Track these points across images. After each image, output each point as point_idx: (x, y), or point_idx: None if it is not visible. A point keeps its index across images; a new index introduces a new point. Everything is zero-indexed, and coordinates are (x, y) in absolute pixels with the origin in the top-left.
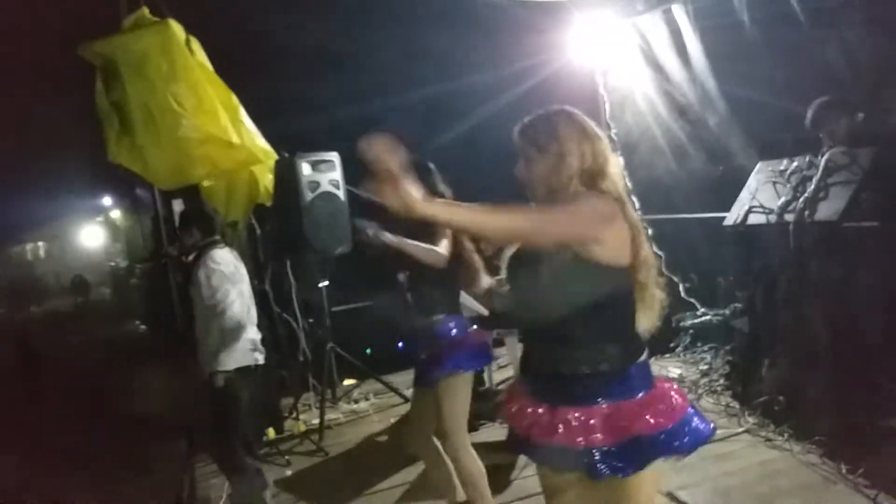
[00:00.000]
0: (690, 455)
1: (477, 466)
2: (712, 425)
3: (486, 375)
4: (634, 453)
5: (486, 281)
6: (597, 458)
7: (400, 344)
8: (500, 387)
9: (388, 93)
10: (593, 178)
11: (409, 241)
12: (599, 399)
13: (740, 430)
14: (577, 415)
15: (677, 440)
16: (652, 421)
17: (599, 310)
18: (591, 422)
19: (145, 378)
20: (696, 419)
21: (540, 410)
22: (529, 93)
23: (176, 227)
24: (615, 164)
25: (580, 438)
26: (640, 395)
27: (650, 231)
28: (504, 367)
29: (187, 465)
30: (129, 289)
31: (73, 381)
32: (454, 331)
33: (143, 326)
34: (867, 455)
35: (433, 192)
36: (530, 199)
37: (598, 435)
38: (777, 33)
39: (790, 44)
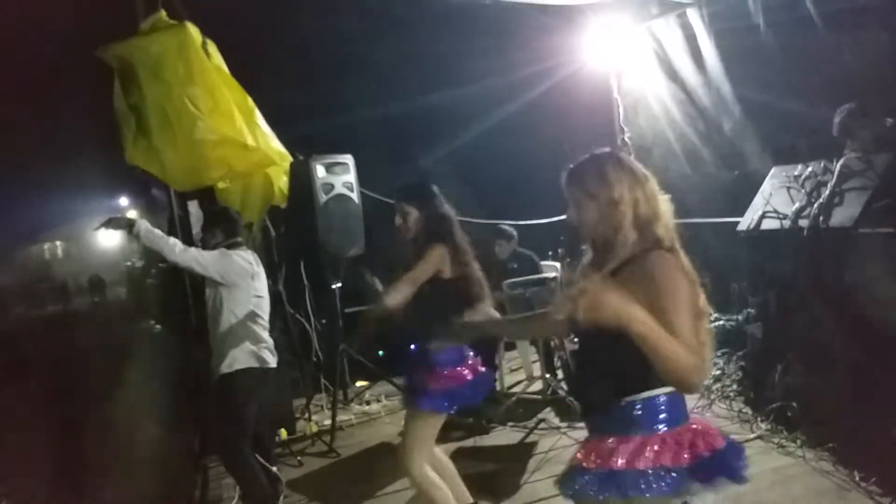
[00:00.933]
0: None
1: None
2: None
3: (497, 379)
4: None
5: (488, 305)
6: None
7: (412, 346)
8: (511, 390)
9: (403, 97)
10: (648, 222)
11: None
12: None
13: (752, 436)
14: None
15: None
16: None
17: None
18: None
19: (158, 378)
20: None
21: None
22: (545, 96)
23: (200, 228)
24: (665, 203)
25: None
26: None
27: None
28: (516, 371)
29: (199, 466)
30: (144, 289)
31: (83, 380)
32: (450, 361)
33: (157, 326)
34: (881, 462)
35: (435, 214)
36: (583, 241)
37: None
38: (793, 37)
39: (806, 48)
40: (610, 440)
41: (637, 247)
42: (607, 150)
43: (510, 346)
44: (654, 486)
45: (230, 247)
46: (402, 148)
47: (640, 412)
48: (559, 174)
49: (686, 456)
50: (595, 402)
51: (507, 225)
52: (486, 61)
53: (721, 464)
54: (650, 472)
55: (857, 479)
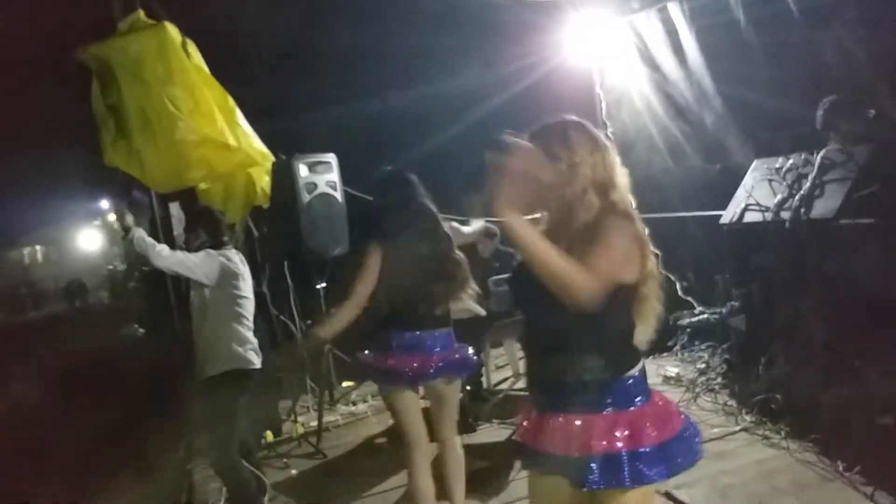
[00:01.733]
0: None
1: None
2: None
3: (483, 376)
4: (633, 466)
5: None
6: (593, 468)
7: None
8: (498, 387)
9: (385, 94)
10: (604, 189)
11: None
12: (600, 407)
13: (737, 428)
14: (577, 423)
15: (679, 455)
16: (654, 433)
17: (604, 319)
18: (592, 430)
19: (143, 382)
20: (693, 434)
21: (542, 417)
22: (527, 91)
23: (183, 228)
24: (623, 175)
25: (578, 445)
26: (640, 404)
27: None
28: (502, 368)
29: (186, 469)
30: (127, 292)
31: (67, 387)
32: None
33: (141, 330)
34: (864, 452)
35: (411, 203)
36: (541, 209)
37: (597, 442)
38: (773, 32)
39: (786, 43)
40: (604, 415)
41: (598, 211)
42: (570, 116)
43: (496, 344)
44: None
45: (215, 247)
46: (384, 145)
47: (631, 386)
48: None
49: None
50: (582, 377)
51: (488, 222)
52: (467, 58)
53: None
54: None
55: (841, 469)
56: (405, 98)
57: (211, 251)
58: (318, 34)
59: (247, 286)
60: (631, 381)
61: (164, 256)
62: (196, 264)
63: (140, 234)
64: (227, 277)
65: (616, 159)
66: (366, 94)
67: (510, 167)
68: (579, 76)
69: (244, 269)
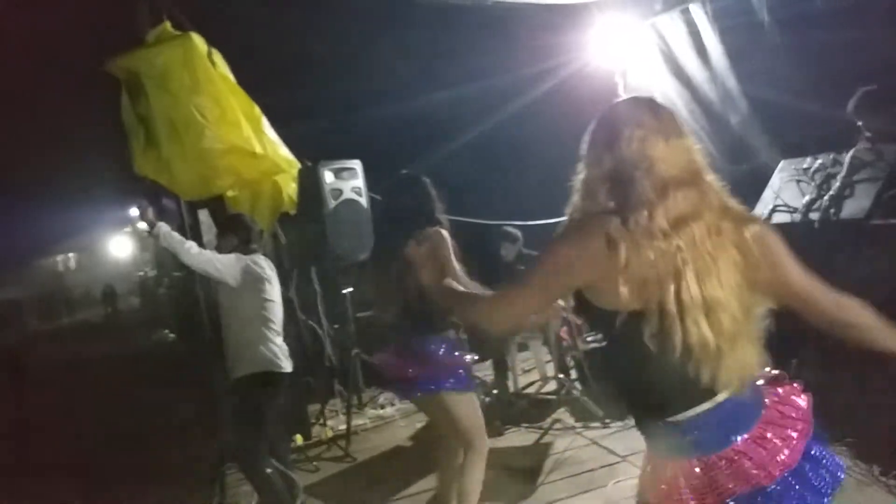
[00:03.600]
0: None
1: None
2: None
3: (510, 380)
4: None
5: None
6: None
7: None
8: (525, 391)
9: (410, 98)
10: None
11: None
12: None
13: None
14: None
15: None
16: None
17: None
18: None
19: (174, 386)
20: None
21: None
22: (549, 94)
23: (215, 234)
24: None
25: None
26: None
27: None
28: (529, 371)
29: (216, 472)
30: (157, 298)
31: (100, 390)
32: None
33: (171, 335)
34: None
35: (424, 208)
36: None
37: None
38: (798, 31)
39: (811, 43)
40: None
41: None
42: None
43: (523, 347)
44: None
45: (244, 253)
46: (410, 150)
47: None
48: (566, 174)
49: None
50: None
51: (511, 226)
52: (490, 60)
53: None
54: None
55: (877, 473)
56: (430, 102)
57: (241, 255)
58: (342, 40)
59: (275, 291)
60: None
61: (194, 254)
62: (224, 265)
63: (166, 229)
64: (256, 282)
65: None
66: (391, 99)
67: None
68: (602, 78)
69: (272, 274)
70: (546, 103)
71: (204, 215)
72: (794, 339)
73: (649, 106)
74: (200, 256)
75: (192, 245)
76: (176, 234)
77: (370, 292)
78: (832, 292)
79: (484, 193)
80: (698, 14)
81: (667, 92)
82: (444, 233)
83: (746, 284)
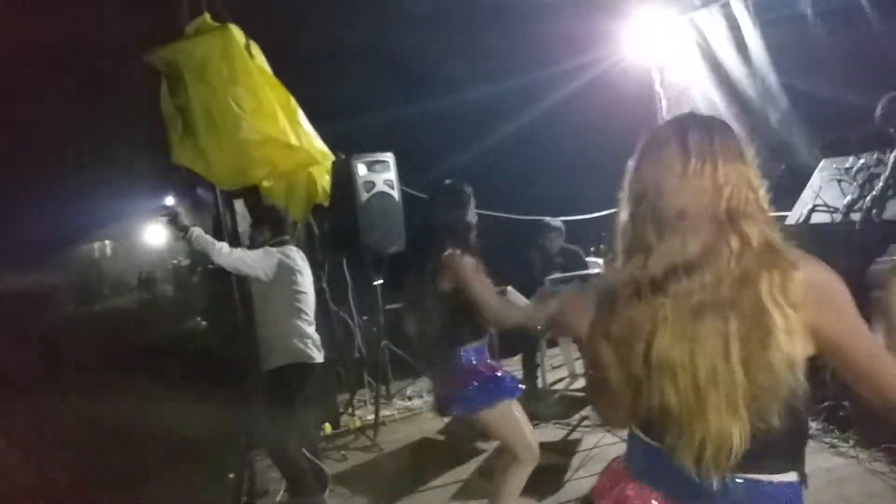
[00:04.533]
0: None
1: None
2: None
3: (539, 376)
4: None
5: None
6: None
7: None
8: (554, 387)
9: (444, 91)
10: None
11: None
12: None
13: None
14: None
15: None
16: None
17: None
18: None
19: (205, 372)
20: None
21: None
22: (587, 88)
23: (249, 225)
24: None
25: None
26: None
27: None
28: (557, 368)
29: (246, 459)
30: (190, 286)
31: (129, 375)
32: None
33: (203, 323)
34: None
35: (456, 218)
36: None
37: None
38: (842, 26)
39: (856, 37)
40: None
41: None
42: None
43: (552, 344)
44: None
45: (277, 244)
46: (443, 144)
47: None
48: (601, 169)
49: None
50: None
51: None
52: (528, 55)
53: None
54: None
55: None
56: (465, 96)
57: (270, 248)
58: (378, 35)
59: (306, 282)
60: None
61: (225, 254)
62: (255, 261)
63: (198, 232)
64: (286, 273)
65: None
66: (425, 94)
67: None
68: (640, 73)
69: (303, 266)
70: (583, 97)
71: (239, 205)
72: None
73: (682, 125)
74: (231, 256)
75: (222, 245)
76: (208, 237)
77: (403, 294)
78: None
79: (518, 188)
80: (739, 8)
81: (705, 88)
82: (464, 256)
83: (760, 346)
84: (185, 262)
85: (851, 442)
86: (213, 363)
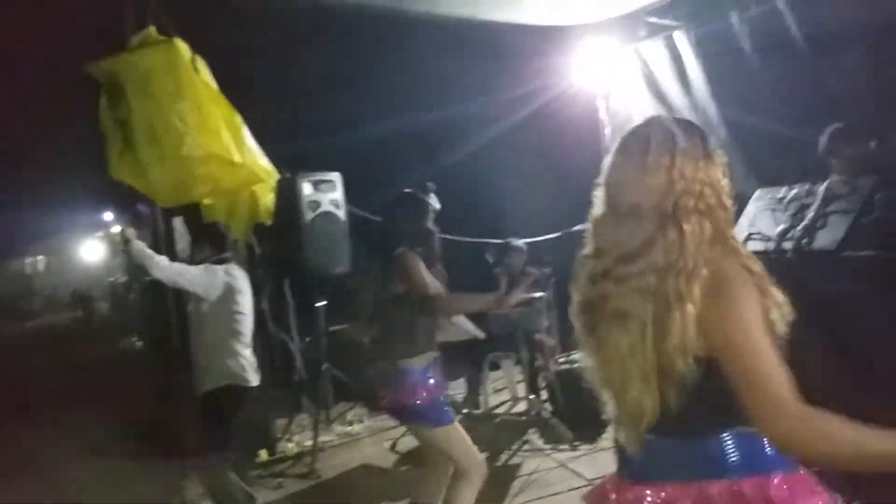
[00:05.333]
0: None
1: None
2: None
3: (481, 399)
4: None
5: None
6: None
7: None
8: (495, 411)
9: (390, 115)
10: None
11: None
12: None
13: None
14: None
15: None
16: None
17: None
18: None
19: (138, 395)
20: None
21: None
22: (533, 116)
23: (189, 243)
24: None
25: None
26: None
27: None
28: (500, 391)
29: (177, 486)
30: (127, 304)
31: (63, 396)
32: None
33: (139, 342)
34: (860, 487)
35: (415, 224)
36: None
37: None
38: (778, 60)
39: (791, 71)
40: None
41: None
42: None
43: (494, 367)
44: None
45: (218, 262)
46: (393, 166)
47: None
48: (549, 194)
49: None
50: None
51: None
52: (472, 83)
53: None
54: None
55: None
56: (410, 121)
57: (212, 266)
58: (324, 55)
59: (246, 303)
60: None
61: (163, 267)
62: (195, 276)
63: (139, 245)
64: (227, 292)
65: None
66: (371, 116)
67: None
68: (584, 102)
69: (245, 286)
70: (529, 125)
71: (178, 223)
72: None
73: (650, 124)
74: (170, 269)
75: (161, 259)
76: (147, 250)
77: (348, 310)
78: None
79: (468, 211)
80: (681, 40)
81: (647, 116)
82: (412, 253)
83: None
84: (122, 279)
85: None
86: (147, 384)
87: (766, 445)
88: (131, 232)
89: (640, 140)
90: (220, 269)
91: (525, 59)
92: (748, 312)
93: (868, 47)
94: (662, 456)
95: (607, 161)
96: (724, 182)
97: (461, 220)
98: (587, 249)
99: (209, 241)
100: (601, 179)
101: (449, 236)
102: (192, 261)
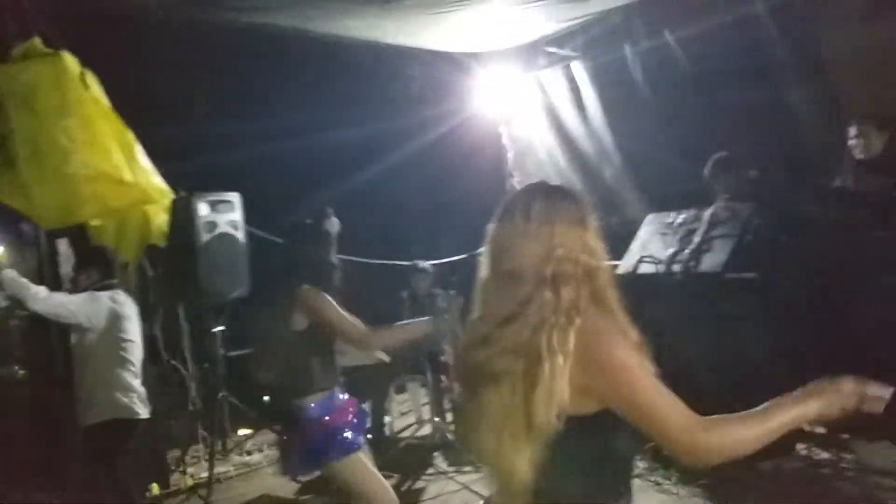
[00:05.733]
0: None
1: None
2: None
3: (386, 424)
4: None
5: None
6: None
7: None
8: (400, 434)
9: (293, 136)
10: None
11: None
12: None
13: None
14: None
15: None
16: None
17: None
18: None
19: (18, 428)
20: None
21: None
22: (437, 140)
23: (73, 267)
24: None
25: None
26: None
27: None
28: (406, 414)
29: None
30: (8, 330)
31: None
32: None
33: (21, 371)
34: (747, 496)
35: (318, 256)
36: None
37: None
38: (667, 92)
39: (679, 102)
40: None
41: None
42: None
43: (400, 389)
44: None
45: (102, 288)
46: (294, 188)
47: None
48: (448, 217)
49: None
50: None
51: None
52: (377, 106)
53: None
54: None
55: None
56: (314, 142)
57: (96, 293)
58: (226, 72)
59: (134, 330)
60: None
61: (41, 299)
62: (78, 306)
63: (11, 274)
64: (113, 320)
65: None
66: (277, 135)
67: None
68: (487, 127)
69: (132, 312)
70: (434, 148)
71: (63, 245)
72: None
73: (530, 192)
74: (50, 300)
75: (39, 289)
76: (21, 280)
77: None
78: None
79: (371, 234)
80: (579, 71)
81: (547, 143)
82: (319, 293)
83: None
84: (3, 304)
85: (673, 479)
86: (28, 416)
87: None
88: (3, 259)
89: (521, 207)
90: (104, 295)
91: (430, 84)
92: (629, 358)
93: (748, 83)
94: None
95: (491, 225)
96: (600, 246)
97: (368, 241)
98: (474, 314)
99: (95, 266)
100: (485, 243)
101: (354, 258)
102: (75, 287)
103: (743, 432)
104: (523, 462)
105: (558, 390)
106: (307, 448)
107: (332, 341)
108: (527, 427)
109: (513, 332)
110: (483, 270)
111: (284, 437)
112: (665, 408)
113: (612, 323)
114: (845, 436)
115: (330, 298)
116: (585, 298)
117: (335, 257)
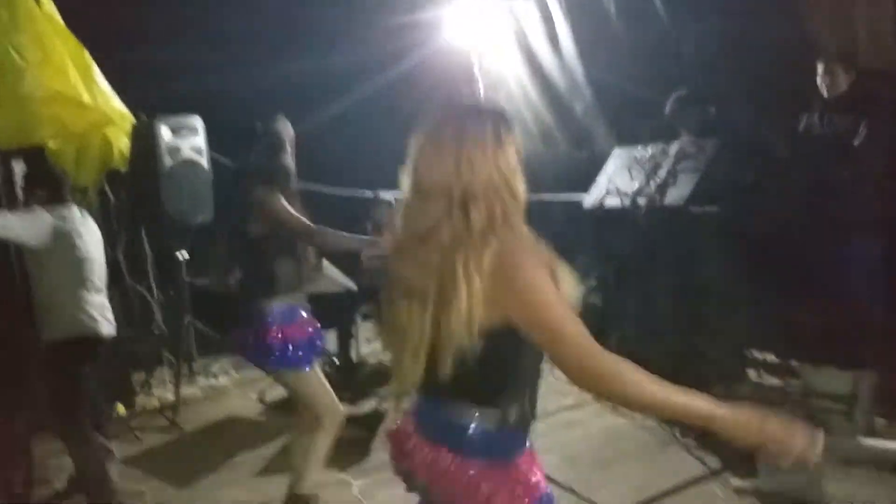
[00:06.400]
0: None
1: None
2: None
3: (353, 350)
4: None
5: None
6: None
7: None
8: (368, 360)
9: (261, 62)
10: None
11: None
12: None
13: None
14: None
15: None
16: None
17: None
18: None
19: None
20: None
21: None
22: (408, 70)
23: (21, 188)
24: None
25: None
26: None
27: None
28: (372, 341)
29: (24, 446)
30: None
31: None
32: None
33: None
34: None
35: (272, 161)
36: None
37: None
38: (638, 26)
39: (649, 36)
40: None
41: None
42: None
43: (367, 317)
44: None
45: (55, 205)
46: (261, 115)
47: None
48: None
49: None
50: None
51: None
52: (347, 33)
53: None
54: None
55: (677, 434)
56: (281, 71)
57: (36, 208)
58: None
59: (91, 247)
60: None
61: None
62: (17, 226)
63: None
64: (59, 236)
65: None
66: (242, 64)
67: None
68: (459, 57)
69: (84, 230)
70: (405, 78)
71: (18, 166)
72: (616, 315)
73: (444, 113)
74: None
75: None
76: None
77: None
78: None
79: (341, 164)
80: (552, 2)
81: (519, 75)
82: (272, 193)
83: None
84: None
85: None
86: None
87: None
88: None
89: (434, 127)
90: (46, 212)
91: (402, 11)
92: (538, 277)
93: (719, 17)
94: (426, 416)
95: (411, 141)
96: (515, 168)
97: (336, 172)
98: (397, 228)
99: (43, 185)
100: (407, 158)
101: (321, 187)
102: (25, 205)
103: (641, 382)
104: (414, 375)
105: (476, 311)
106: (260, 349)
107: (294, 246)
108: (432, 345)
109: (426, 251)
110: (404, 185)
111: (245, 332)
112: (567, 328)
113: (523, 243)
114: (794, 363)
115: (280, 198)
116: (499, 220)
117: (288, 160)
